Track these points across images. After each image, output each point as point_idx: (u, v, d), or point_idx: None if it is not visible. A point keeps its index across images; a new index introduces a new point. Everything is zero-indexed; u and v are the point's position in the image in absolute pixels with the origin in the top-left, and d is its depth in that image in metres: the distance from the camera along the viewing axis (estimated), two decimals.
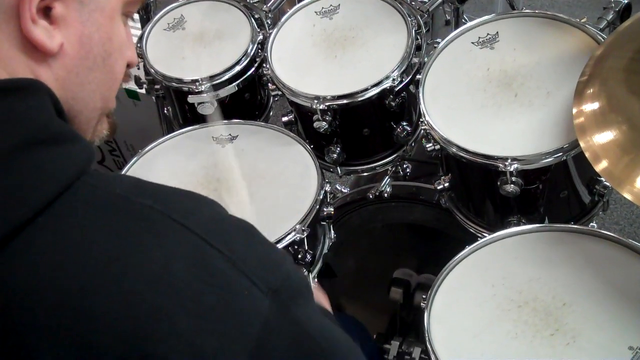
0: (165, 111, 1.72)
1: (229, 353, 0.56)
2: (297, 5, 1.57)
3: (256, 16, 1.63)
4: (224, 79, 1.52)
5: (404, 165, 1.64)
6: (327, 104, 1.36)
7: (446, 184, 1.35)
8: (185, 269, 0.57)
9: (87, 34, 0.64)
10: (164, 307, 0.55)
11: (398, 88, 1.37)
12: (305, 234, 1.24)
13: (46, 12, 0.61)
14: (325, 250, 1.39)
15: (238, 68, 1.53)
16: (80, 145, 0.62)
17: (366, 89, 1.36)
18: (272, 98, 1.69)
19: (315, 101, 1.37)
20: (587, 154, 1.05)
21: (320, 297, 0.93)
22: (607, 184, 1.24)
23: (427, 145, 1.29)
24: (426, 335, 1.06)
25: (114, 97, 0.73)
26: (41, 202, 0.56)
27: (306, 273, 1.32)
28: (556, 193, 1.27)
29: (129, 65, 0.74)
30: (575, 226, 1.15)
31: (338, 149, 1.47)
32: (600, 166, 1.03)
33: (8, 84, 0.59)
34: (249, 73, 1.55)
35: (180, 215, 0.60)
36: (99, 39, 0.66)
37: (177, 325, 0.54)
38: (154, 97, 1.71)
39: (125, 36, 0.71)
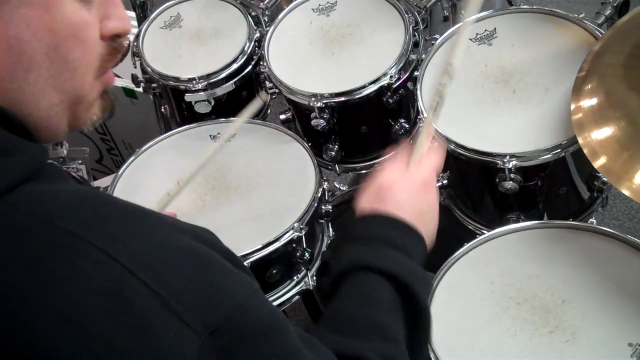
0: (163, 110, 1.72)
1: None
2: (294, 3, 1.56)
3: (253, 14, 1.62)
4: (221, 77, 1.51)
5: None
6: (324, 101, 1.36)
7: (444, 181, 1.34)
8: (97, 307, 0.51)
9: (14, 35, 0.57)
10: (63, 350, 0.50)
11: (396, 85, 1.36)
12: (304, 232, 1.24)
13: None
14: (323, 248, 1.38)
15: (235, 66, 1.53)
16: (15, 159, 0.56)
17: (364, 86, 1.35)
18: (269, 96, 1.68)
19: (313, 99, 1.36)
20: (585, 151, 1.04)
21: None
22: (606, 179, 1.24)
23: None
24: None
25: (83, 83, 0.63)
26: None
27: (305, 271, 1.32)
28: (555, 189, 1.26)
29: (119, 36, 0.65)
30: (574, 223, 1.15)
31: (336, 146, 1.47)
32: (599, 162, 1.02)
33: None
34: (246, 71, 1.55)
35: (106, 243, 0.54)
36: (31, 36, 0.57)
37: None
38: (151, 96, 1.71)
39: (85, 17, 0.61)
